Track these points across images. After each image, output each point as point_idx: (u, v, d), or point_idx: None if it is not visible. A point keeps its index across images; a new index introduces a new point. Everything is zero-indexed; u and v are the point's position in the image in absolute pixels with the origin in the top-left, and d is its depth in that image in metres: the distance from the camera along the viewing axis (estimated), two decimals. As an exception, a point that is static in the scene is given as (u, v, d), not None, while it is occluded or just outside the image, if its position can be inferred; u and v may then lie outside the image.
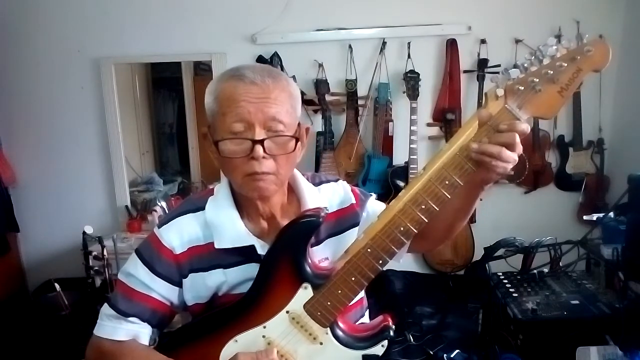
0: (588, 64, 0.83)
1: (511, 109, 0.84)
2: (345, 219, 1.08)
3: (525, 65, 0.84)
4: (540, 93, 0.83)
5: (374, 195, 1.15)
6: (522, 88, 0.83)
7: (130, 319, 0.98)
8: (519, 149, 0.86)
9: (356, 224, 1.09)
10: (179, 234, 0.99)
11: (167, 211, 2.92)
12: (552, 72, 0.83)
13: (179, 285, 1.00)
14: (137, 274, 0.99)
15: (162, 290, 0.99)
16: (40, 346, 2.54)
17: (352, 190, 1.12)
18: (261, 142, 0.89)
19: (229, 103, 0.90)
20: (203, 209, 1.01)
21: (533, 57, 0.84)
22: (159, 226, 1.02)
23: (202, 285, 1.00)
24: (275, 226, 1.01)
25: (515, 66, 0.85)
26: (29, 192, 3.13)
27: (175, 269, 0.99)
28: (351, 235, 1.07)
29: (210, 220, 0.99)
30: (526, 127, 0.85)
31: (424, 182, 0.88)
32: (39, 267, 3.20)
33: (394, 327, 1.01)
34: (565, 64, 0.82)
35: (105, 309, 1.01)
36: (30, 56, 2.98)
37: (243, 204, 1.01)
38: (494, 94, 0.85)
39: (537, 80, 0.83)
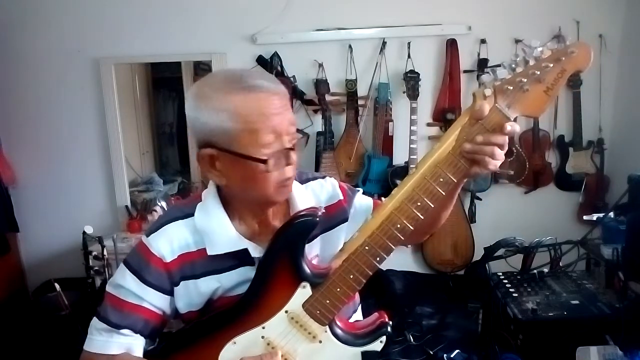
0: (572, 65, 0.86)
1: (501, 109, 0.87)
2: (334, 215, 1.08)
3: (513, 66, 0.86)
4: (528, 92, 0.86)
5: (360, 191, 1.16)
6: (511, 88, 0.86)
7: (123, 331, 0.96)
8: (506, 148, 0.89)
9: (345, 220, 1.09)
10: (169, 242, 0.97)
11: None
12: (538, 72, 0.85)
13: (171, 293, 0.98)
14: (126, 285, 0.96)
15: (153, 300, 0.97)
16: (40, 346, 2.53)
17: (340, 186, 1.13)
18: (292, 148, 0.91)
19: (260, 118, 0.87)
20: (192, 215, 0.99)
21: (518, 59, 0.87)
22: (147, 235, 0.99)
23: (194, 292, 0.98)
24: (266, 226, 1.01)
25: (502, 67, 0.88)
26: (29, 192, 3.13)
27: (166, 277, 0.97)
28: (340, 231, 1.07)
29: (201, 227, 0.97)
30: (517, 128, 0.87)
31: (418, 180, 0.90)
32: (39, 267, 3.20)
33: (390, 322, 1.01)
34: (551, 65, 0.85)
35: (95, 322, 0.98)
36: (30, 56, 2.98)
37: (236, 208, 0.99)
38: (482, 93, 0.87)
39: (525, 80, 0.86)
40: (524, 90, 0.86)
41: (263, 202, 0.97)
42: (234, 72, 0.92)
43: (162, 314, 0.99)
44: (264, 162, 0.88)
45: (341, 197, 1.10)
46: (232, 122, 0.87)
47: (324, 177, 1.13)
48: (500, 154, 0.88)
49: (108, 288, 0.99)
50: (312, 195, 1.07)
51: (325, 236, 1.06)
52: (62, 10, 2.93)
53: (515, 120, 0.88)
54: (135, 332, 0.97)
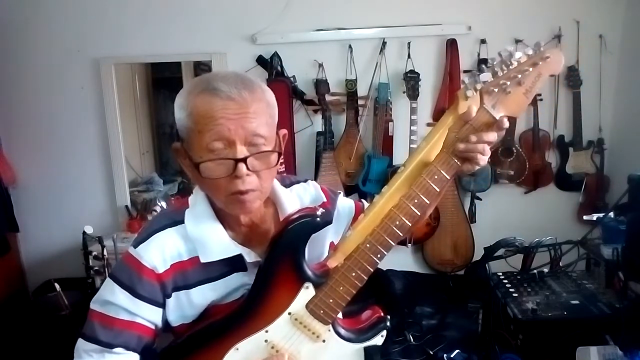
0: (547, 69, 0.92)
1: (488, 109, 0.92)
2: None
3: (496, 69, 0.91)
4: (510, 94, 0.92)
5: (342, 193, 1.18)
6: (496, 90, 0.91)
7: (115, 349, 0.92)
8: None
9: (329, 222, 1.07)
10: (160, 251, 0.93)
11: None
12: (520, 75, 0.91)
13: (163, 306, 0.95)
14: (116, 301, 0.92)
15: (146, 314, 0.94)
16: (40, 346, 2.53)
17: (322, 189, 1.13)
18: (244, 160, 0.86)
19: (206, 121, 0.85)
20: (182, 222, 0.96)
21: (496, 62, 0.91)
22: (135, 245, 0.94)
23: (187, 304, 0.96)
24: (256, 231, 1.00)
25: (481, 70, 0.93)
26: (29, 192, 3.13)
27: (158, 289, 0.93)
28: (326, 233, 1.06)
29: (193, 234, 0.95)
30: (507, 124, 0.92)
31: (414, 178, 0.94)
32: (39, 267, 3.20)
33: (388, 316, 1.03)
34: (531, 69, 0.91)
35: (82, 344, 0.93)
36: (30, 56, 2.98)
37: (223, 214, 0.97)
38: (464, 94, 0.92)
39: (509, 83, 0.91)
40: (507, 92, 0.91)
41: (227, 211, 0.94)
42: (212, 74, 0.91)
43: (155, 327, 0.97)
44: (196, 165, 0.87)
45: (324, 199, 1.10)
46: (186, 120, 0.89)
47: (305, 181, 1.13)
48: (489, 150, 0.93)
49: (93, 306, 0.95)
50: (296, 198, 1.07)
51: (312, 238, 1.03)
52: (62, 10, 2.93)
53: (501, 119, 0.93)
54: (129, 349, 0.93)
